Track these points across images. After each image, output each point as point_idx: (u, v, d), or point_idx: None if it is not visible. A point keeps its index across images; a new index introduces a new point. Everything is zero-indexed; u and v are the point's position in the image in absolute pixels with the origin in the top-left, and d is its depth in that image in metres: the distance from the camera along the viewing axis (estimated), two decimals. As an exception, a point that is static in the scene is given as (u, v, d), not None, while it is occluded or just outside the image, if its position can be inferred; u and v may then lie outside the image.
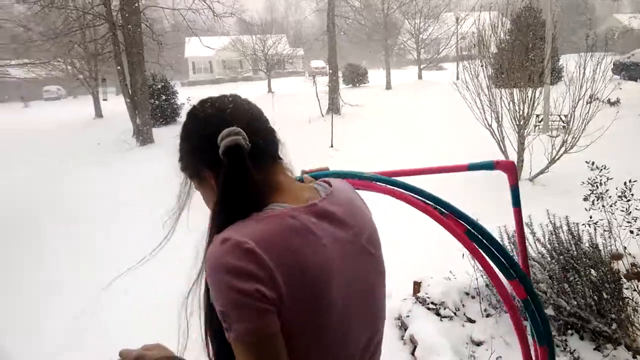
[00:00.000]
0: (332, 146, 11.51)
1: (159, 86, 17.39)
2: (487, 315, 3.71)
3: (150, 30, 15.27)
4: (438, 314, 3.59)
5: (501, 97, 7.77)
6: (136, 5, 12.98)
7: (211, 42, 22.18)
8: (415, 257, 5.29)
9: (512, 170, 1.38)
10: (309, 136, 13.08)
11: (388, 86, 25.96)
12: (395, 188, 1.27)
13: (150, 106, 15.12)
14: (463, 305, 3.76)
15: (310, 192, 0.98)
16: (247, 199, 0.87)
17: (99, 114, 22.60)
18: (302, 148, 11.65)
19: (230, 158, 0.87)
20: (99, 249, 6.07)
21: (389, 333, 3.80)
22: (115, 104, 15.60)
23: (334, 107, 16.76)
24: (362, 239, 0.97)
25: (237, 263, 0.79)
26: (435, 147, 10.32)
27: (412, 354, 3.44)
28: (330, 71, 17.82)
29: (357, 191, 1.12)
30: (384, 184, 1.28)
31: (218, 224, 0.87)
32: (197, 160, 0.96)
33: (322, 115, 16.41)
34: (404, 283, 4.26)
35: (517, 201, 1.41)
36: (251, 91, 28.75)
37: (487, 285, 3.72)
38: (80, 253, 6.19)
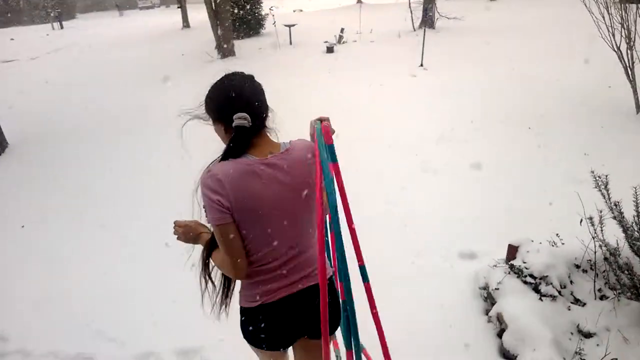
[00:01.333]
0: (421, 65, 10.35)
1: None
2: (602, 297, 2.93)
3: None
4: (537, 291, 2.87)
5: (638, 13, 6.27)
6: None
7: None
8: (514, 210, 4.35)
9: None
10: (397, 52, 11.89)
11: (494, -4, 23.05)
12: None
13: (233, 16, 14.45)
14: (571, 281, 2.99)
15: (273, 148, 1.57)
16: (232, 152, 1.50)
17: (186, 24, 22.45)
18: (388, 65, 10.65)
19: (236, 131, 1.50)
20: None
21: (470, 304, 3.15)
22: (205, 15, 14.91)
23: (427, 21, 15.08)
24: (296, 184, 1.54)
25: (210, 184, 1.45)
26: (544, 71, 8.87)
27: (499, 336, 2.81)
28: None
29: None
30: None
31: (218, 159, 1.52)
32: (215, 114, 1.57)
33: (414, 30, 14.88)
34: (495, 243, 3.52)
35: None
36: (339, 0, 27.09)
37: (606, 259, 2.89)
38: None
